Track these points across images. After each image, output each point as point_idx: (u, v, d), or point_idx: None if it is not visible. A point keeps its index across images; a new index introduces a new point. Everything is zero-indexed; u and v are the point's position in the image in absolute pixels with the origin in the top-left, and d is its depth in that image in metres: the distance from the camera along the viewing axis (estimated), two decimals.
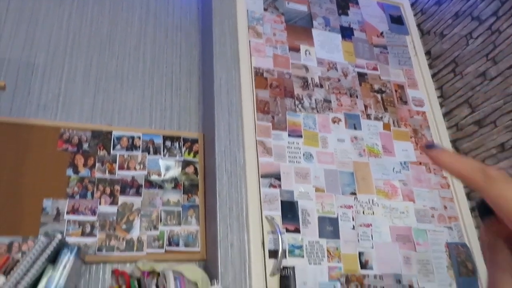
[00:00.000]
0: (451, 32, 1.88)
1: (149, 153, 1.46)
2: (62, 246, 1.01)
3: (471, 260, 1.58)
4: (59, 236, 0.98)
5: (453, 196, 1.69)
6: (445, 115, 1.88)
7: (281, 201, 1.40)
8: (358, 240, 1.45)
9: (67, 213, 1.29)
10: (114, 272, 1.18)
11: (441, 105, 1.90)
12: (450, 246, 1.58)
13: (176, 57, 1.70)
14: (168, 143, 1.50)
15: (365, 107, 1.72)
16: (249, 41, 1.63)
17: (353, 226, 1.46)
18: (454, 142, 1.82)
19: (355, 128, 1.65)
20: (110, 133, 1.43)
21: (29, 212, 1.24)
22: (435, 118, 1.84)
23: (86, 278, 1.24)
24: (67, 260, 1.00)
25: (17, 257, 1.07)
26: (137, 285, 1.11)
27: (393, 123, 1.74)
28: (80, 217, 1.30)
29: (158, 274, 1.17)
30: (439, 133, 1.81)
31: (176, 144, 1.51)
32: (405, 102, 1.82)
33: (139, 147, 1.45)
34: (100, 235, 1.30)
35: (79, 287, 1.20)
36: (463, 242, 1.61)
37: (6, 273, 0.95)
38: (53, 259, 1.01)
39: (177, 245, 1.37)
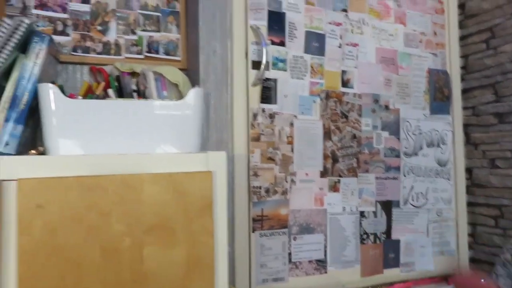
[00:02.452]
0: None
1: None
2: (31, 34, 0.94)
3: (448, 86, 1.62)
4: (26, 20, 0.90)
5: (445, 23, 1.63)
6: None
7: (268, 11, 1.31)
8: (343, 59, 1.42)
9: (35, 7, 1.18)
10: (92, 69, 1.14)
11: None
12: (431, 72, 1.59)
13: None
14: None
15: None
16: None
17: (340, 44, 1.42)
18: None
19: None
20: None
21: None
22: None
23: (63, 77, 1.21)
24: (39, 48, 0.94)
25: None
26: (116, 83, 1.09)
27: None
28: (51, 13, 1.19)
29: (138, 75, 1.14)
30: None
31: None
32: None
33: None
34: (74, 35, 1.22)
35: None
36: (445, 69, 1.62)
37: None
38: (23, 49, 0.95)
39: (157, 52, 1.31)
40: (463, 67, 1.66)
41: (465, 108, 1.64)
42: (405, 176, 1.51)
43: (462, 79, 1.65)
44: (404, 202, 1.51)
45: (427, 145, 1.56)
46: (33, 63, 0.93)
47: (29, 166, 0.61)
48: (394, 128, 1.50)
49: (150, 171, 0.69)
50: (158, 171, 0.69)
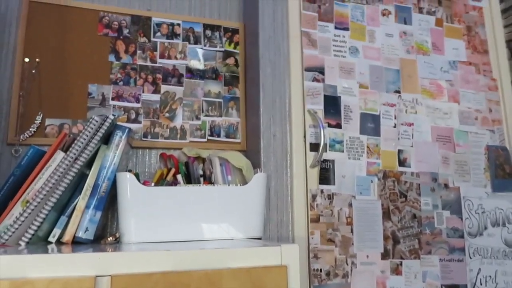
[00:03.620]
0: None
1: (189, 42, 1.42)
2: (114, 127, 1.04)
3: (509, 163, 1.57)
4: (111, 116, 0.99)
5: (499, 99, 1.63)
6: (503, 11, 1.72)
7: (324, 96, 1.37)
8: (398, 138, 1.44)
9: (112, 99, 1.30)
10: (162, 156, 1.22)
11: (501, 1, 1.73)
12: (490, 148, 1.56)
13: None
14: (208, 33, 1.45)
15: None
16: None
17: (395, 124, 1.45)
18: (509, 42, 1.69)
19: (405, 23, 1.55)
20: (150, 19, 1.38)
21: (76, 97, 1.26)
22: (492, 15, 1.69)
23: (133, 161, 1.30)
24: (119, 139, 1.03)
25: (72, 137, 1.11)
26: (185, 169, 1.15)
27: (446, 18, 1.62)
28: (125, 103, 1.31)
29: (204, 160, 1.21)
30: (494, 32, 1.68)
31: (217, 34, 1.45)
32: None
33: (179, 35, 1.41)
34: (145, 122, 1.32)
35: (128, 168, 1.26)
36: (504, 145, 1.59)
37: (65, 149, 0.99)
38: (105, 140, 1.04)
39: (218, 135, 1.39)
40: None
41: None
42: (471, 258, 1.44)
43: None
44: (472, 286, 1.42)
45: (492, 224, 1.50)
46: (113, 154, 1.01)
47: (121, 262, 0.65)
48: (455, 207, 1.46)
49: (228, 266, 0.71)
50: (235, 265, 0.71)
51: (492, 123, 1.60)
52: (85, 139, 0.96)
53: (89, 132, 0.96)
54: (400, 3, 1.56)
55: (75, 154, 0.95)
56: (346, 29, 1.45)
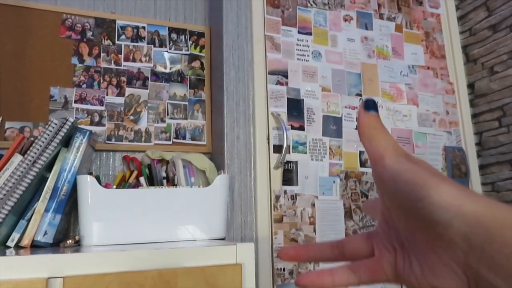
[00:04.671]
0: None
1: (154, 45, 1.42)
2: (74, 130, 1.03)
3: (465, 163, 1.65)
4: (71, 119, 0.99)
5: (456, 102, 1.70)
6: (459, 18, 1.80)
7: (288, 99, 1.40)
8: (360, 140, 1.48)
9: (75, 101, 1.29)
10: (125, 158, 1.22)
11: (457, 8, 1.81)
12: (447, 149, 1.63)
13: None
14: (174, 36, 1.46)
15: (379, 5, 1.64)
16: None
17: (356, 126, 1.49)
18: (465, 47, 1.77)
19: (366, 28, 1.60)
20: (114, 21, 1.38)
21: (38, 99, 1.25)
22: (449, 22, 1.77)
23: (97, 164, 1.29)
24: (80, 143, 1.03)
25: (30, 140, 1.10)
26: (147, 171, 1.15)
27: (406, 24, 1.68)
28: (88, 106, 1.31)
29: (167, 162, 1.22)
30: (451, 37, 1.76)
31: (182, 37, 1.47)
32: (420, 3, 1.74)
33: (144, 38, 1.41)
34: (109, 125, 1.32)
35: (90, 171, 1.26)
36: (460, 146, 1.66)
37: (23, 152, 0.99)
38: (66, 143, 1.04)
39: (184, 138, 1.40)
40: (478, 143, 1.70)
41: (483, 184, 1.66)
42: None
43: (478, 156, 1.68)
44: None
45: None
46: (74, 157, 1.01)
47: (74, 263, 0.65)
48: None
49: (183, 265, 0.72)
50: (190, 264, 0.73)
51: (449, 125, 1.67)
52: (43, 142, 0.95)
53: (48, 135, 0.96)
54: (362, 9, 1.61)
55: (33, 157, 0.94)
56: (309, 33, 1.49)
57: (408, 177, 0.23)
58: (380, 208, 0.29)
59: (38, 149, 0.95)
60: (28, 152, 0.94)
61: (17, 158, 0.97)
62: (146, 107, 1.37)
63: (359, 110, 0.29)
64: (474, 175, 1.65)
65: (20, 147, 1.00)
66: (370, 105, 0.29)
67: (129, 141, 1.33)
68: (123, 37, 1.39)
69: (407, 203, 0.23)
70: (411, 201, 0.23)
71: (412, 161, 0.25)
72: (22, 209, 0.99)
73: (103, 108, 1.32)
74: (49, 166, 1.01)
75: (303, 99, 1.43)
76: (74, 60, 1.32)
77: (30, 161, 0.94)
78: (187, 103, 1.43)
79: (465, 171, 1.64)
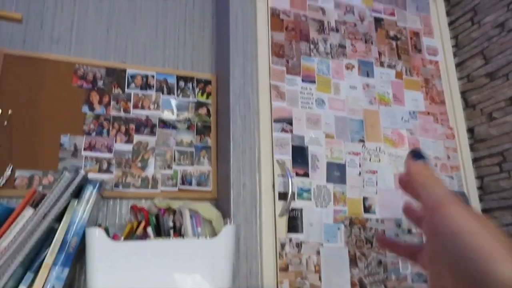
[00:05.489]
0: None
1: (163, 93, 1.46)
2: (85, 181, 1.05)
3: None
4: (82, 172, 1.01)
5: (457, 147, 1.73)
6: (457, 65, 1.86)
7: (292, 146, 1.43)
8: (363, 186, 1.50)
9: (84, 149, 1.32)
10: (133, 208, 1.23)
11: (455, 55, 1.87)
12: None
13: None
14: (181, 83, 1.50)
15: (379, 54, 1.70)
16: None
17: (359, 172, 1.51)
18: (463, 93, 1.82)
19: (367, 76, 1.65)
20: (124, 71, 1.42)
21: (48, 147, 1.27)
22: (447, 68, 1.83)
23: (104, 212, 1.30)
24: (90, 195, 1.04)
25: (40, 190, 1.12)
26: (155, 221, 1.17)
27: (406, 71, 1.73)
28: (97, 154, 1.33)
29: (174, 211, 1.23)
30: (450, 84, 1.80)
31: (190, 85, 1.51)
32: (419, 51, 1.80)
33: (153, 86, 1.45)
34: (117, 172, 1.34)
35: (98, 220, 1.26)
36: (462, 190, 1.68)
37: (34, 205, 1.00)
38: (76, 194, 1.06)
39: (190, 184, 1.42)
40: (480, 187, 1.72)
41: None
42: None
43: (481, 200, 1.70)
44: None
45: None
46: (83, 209, 1.03)
47: None
48: None
49: None
50: None
51: (451, 170, 1.69)
52: (55, 196, 0.97)
53: (60, 189, 0.98)
54: (363, 57, 1.66)
55: (44, 211, 0.95)
56: (313, 82, 1.54)
57: (474, 242, 0.21)
58: (418, 256, 0.30)
59: (49, 203, 0.96)
60: (40, 205, 0.96)
61: (29, 211, 0.99)
62: (154, 154, 1.40)
63: (407, 159, 0.29)
64: None
65: (31, 200, 1.01)
66: (418, 154, 0.29)
67: (136, 188, 1.34)
68: (132, 85, 1.43)
69: (464, 268, 0.21)
70: (471, 270, 0.21)
71: (476, 218, 0.23)
72: (30, 261, 0.99)
73: (111, 155, 1.34)
74: (58, 217, 1.02)
75: (307, 146, 1.45)
76: (85, 109, 1.35)
77: (41, 215, 0.95)
78: (193, 149, 1.45)
79: None
